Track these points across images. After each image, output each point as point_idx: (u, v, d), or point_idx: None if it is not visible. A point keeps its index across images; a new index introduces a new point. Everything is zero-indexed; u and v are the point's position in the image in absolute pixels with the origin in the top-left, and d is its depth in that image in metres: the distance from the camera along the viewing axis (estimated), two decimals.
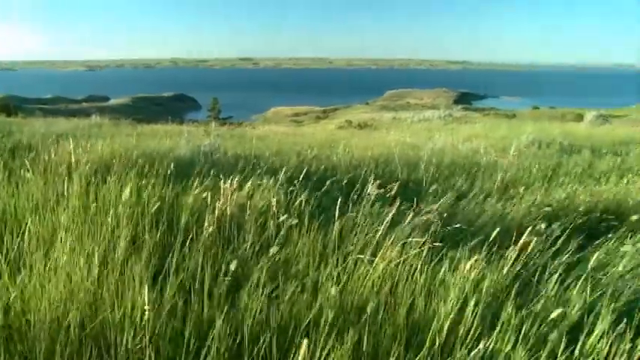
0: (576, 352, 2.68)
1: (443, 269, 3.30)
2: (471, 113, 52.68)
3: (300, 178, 4.92)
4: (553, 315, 2.75)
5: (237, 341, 2.62)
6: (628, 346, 2.67)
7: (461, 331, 2.78)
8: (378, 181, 4.73)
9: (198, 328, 2.69)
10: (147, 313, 2.51)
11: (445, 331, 2.76)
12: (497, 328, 2.77)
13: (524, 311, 2.94)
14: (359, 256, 3.44)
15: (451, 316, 2.84)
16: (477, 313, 2.85)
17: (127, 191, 3.89)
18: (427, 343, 2.66)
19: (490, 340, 2.64)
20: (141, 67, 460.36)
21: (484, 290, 3.12)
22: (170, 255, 3.17)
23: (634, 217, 4.77)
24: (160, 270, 3.10)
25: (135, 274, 2.84)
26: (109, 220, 3.62)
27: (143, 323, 2.51)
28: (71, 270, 2.92)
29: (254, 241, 3.69)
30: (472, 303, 2.90)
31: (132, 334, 2.50)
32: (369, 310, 2.82)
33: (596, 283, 3.41)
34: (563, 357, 2.60)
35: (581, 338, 2.75)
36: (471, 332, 2.75)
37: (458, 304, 2.93)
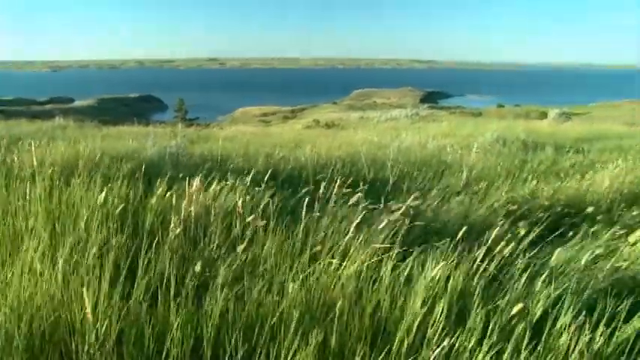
0: (539, 347, 2.73)
1: (409, 268, 3.31)
2: (437, 112, 53.20)
3: (267, 179, 4.91)
4: (514, 310, 2.79)
5: (202, 342, 2.61)
6: (588, 337, 2.73)
7: (428, 330, 2.80)
8: (345, 181, 4.74)
9: (164, 330, 2.66)
10: (111, 317, 2.48)
11: (413, 330, 2.78)
12: (463, 326, 2.80)
13: (490, 307, 2.98)
14: (328, 259, 3.44)
15: (417, 314, 2.86)
16: (443, 311, 2.88)
17: (91, 194, 3.84)
18: (394, 342, 2.68)
19: (455, 337, 2.67)
20: (106, 68, 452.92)
21: (450, 288, 3.16)
22: (136, 258, 3.14)
23: (589, 209, 4.91)
24: (126, 273, 3.06)
25: (100, 278, 2.80)
26: (74, 223, 3.56)
27: (105, 328, 2.48)
28: (35, 275, 2.87)
29: (220, 242, 3.67)
30: (438, 301, 2.93)
31: (94, 339, 2.47)
32: (336, 309, 2.83)
33: (560, 277, 3.47)
34: (527, 351, 2.64)
35: (545, 332, 2.81)
36: (438, 330, 2.77)
37: (424, 303, 2.96)
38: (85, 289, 2.56)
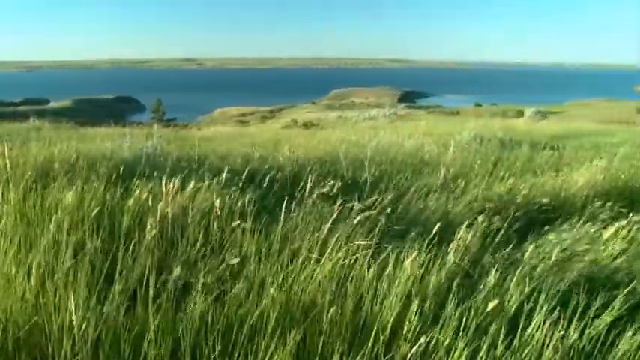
0: (515, 341, 2.77)
1: (389, 266, 3.33)
2: (415, 111, 53.55)
3: (245, 179, 4.90)
4: (489, 307, 2.82)
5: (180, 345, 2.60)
6: (561, 332, 2.77)
7: (405, 327, 2.81)
8: (323, 180, 4.74)
9: (142, 334, 2.65)
10: (88, 321, 2.46)
11: (389, 328, 2.80)
12: (440, 322, 2.83)
13: (466, 304, 3.01)
14: (309, 255, 3.44)
15: (395, 312, 2.88)
16: (420, 309, 2.90)
17: (68, 196, 3.79)
18: (371, 341, 2.70)
19: (431, 334, 2.69)
20: (81, 68, 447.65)
21: (427, 285, 3.18)
22: (114, 260, 3.11)
23: (565, 206, 4.96)
24: (104, 275, 3.04)
25: (77, 282, 2.78)
26: (50, 226, 3.52)
27: (82, 333, 2.46)
28: (10, 280, 2.83)
29: (198, 243, 3.65)
30: (416, 299, 2.95)
31: (70, 345, 2.45)
32: (314, 309, 2.84)
33: (533, 272, 3.51)
34: (502, 346, 2.67)
35: (520, 327, 2.84)
36: (415, 327, 2.79)
37: (402, 301, 2.97)
38: (60, 293, 2.54)
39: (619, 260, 4.00)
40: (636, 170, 7.34)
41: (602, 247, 4.15)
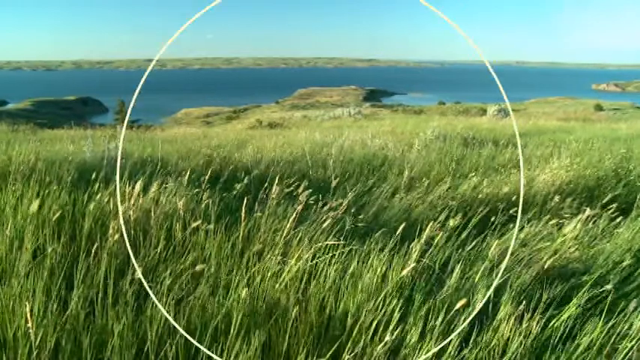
0: (483, 337, 2.80)
1: (353, 265, 3.33)
2: (379, 110, 53.86)
3: (209, 180, 4.84)
4: (457, 305, 2.84)
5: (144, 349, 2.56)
6: (525, 325, 2.81)
7: (371, 324, 2.81)
8: (287, 180, 4.72)
9: (104, 339, 2.59)
10: (46, 327, 2.39)
11: (356, 326, 2.79)
12: (406, 320, 2.83)
13: (432, 302, 3.02)
14: (272, 255, 3.42)
15: (360, 310, 2.88)
16: (386, 307, 2.90)
17: (25, 200, 3.70)
18: (337, 338, 2.69)
19: (397, 332, 2.70)
20: (41, 69, 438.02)
21: (392, 283, 3.19)
22: (75, 265, 3.04)
23: (527, 202, 5.02)
24: (64, 281, 2.97)
25: (36, 288, 2.70)
26: (7, 232, 3.42)
27: (38, 341, 2.39)
28: None
29: (160, 246, 3.59)
30: (380, 297, 2.95)
31: (27, 353, 2.38)
32: (279, 309, 2.82)
33: (497, 268, 3.55)
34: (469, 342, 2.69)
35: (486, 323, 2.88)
36: (379, 326, 2.79)
37: (367, 299, 2.98)
38: (15, 300, 2.47)
39: (577, 253, 4.09)
40: (594, 166, 7.49)
41: (561, 240, 4.23)
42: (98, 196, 4.26)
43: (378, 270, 3.25)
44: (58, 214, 3.72)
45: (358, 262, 3.37)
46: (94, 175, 4.65)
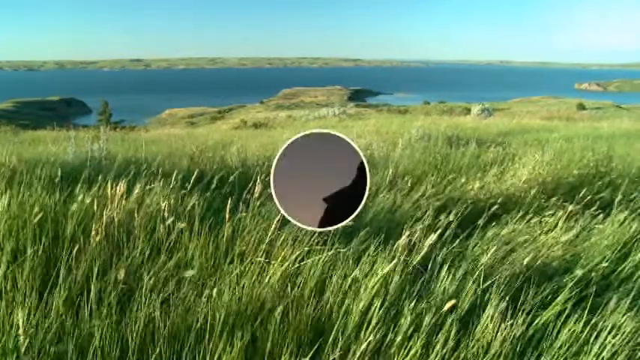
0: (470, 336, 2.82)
1: (337, 265, 3.33)
2: (365, 110, 53.97)
3: (193, 181, 4.82)
4: (446, 307, 2.85)
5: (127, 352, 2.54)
6: (510, 322, 2.84)
7: (360, 325, 2.82)
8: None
9: (87, 342, 2.57)
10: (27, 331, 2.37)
11: (342, 326, 2.80)
12: (394, 320, 2.85)
13: (418, 303, 3.03)
14: (256, 256, 3.42)
15: (348, 311, 2.88)
16: (373, 307, 2.91)
17: (5, 202, 3.66)
18: (323, 339, 2.70)
19: (381, 332, 2.71)
20: (22, 69, 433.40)
21: (376, 283, 3.19)
22: (57, 267, 3.02)
23: (511, 201, 5.05)
24: (45, 283, 2.94)
25: (16, 292, 2.68)
26: None
27: (19, 346, 2.37)
28: None
29: (144, 247, 3.57)
30: (365, 297, 2.96)
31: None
32: (263, 310, 2.82)
33: (482, 267, 3.57)
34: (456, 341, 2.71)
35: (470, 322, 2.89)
36: (365, 325, 2.80)
37: (351, 300, 2.98)
38: None
39: (559, 251, 4.13)
40: (576, 163, 7.55)
41: (544, 238, 4.27)
42: (80, 197, 4.23)
43: (362, 268, 3.26)
44: (39, 216, 3.69)
45: (342, 262, 3.38)
46: (77, 176, 4.62)
